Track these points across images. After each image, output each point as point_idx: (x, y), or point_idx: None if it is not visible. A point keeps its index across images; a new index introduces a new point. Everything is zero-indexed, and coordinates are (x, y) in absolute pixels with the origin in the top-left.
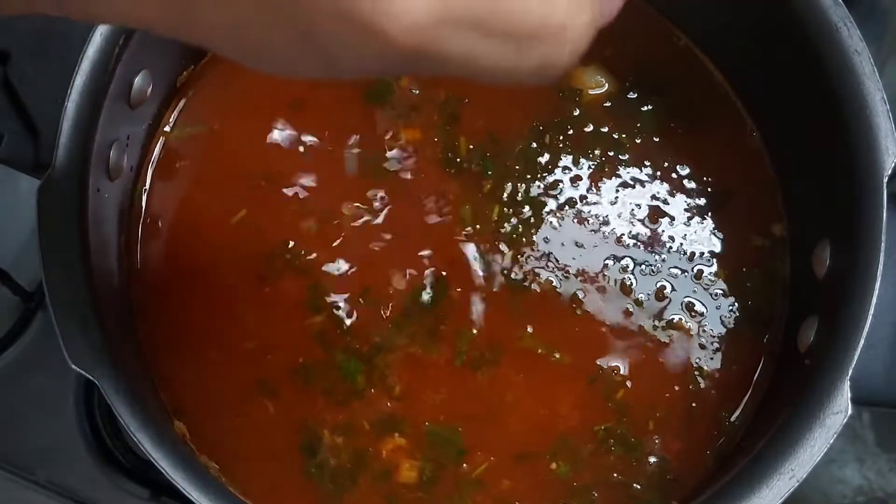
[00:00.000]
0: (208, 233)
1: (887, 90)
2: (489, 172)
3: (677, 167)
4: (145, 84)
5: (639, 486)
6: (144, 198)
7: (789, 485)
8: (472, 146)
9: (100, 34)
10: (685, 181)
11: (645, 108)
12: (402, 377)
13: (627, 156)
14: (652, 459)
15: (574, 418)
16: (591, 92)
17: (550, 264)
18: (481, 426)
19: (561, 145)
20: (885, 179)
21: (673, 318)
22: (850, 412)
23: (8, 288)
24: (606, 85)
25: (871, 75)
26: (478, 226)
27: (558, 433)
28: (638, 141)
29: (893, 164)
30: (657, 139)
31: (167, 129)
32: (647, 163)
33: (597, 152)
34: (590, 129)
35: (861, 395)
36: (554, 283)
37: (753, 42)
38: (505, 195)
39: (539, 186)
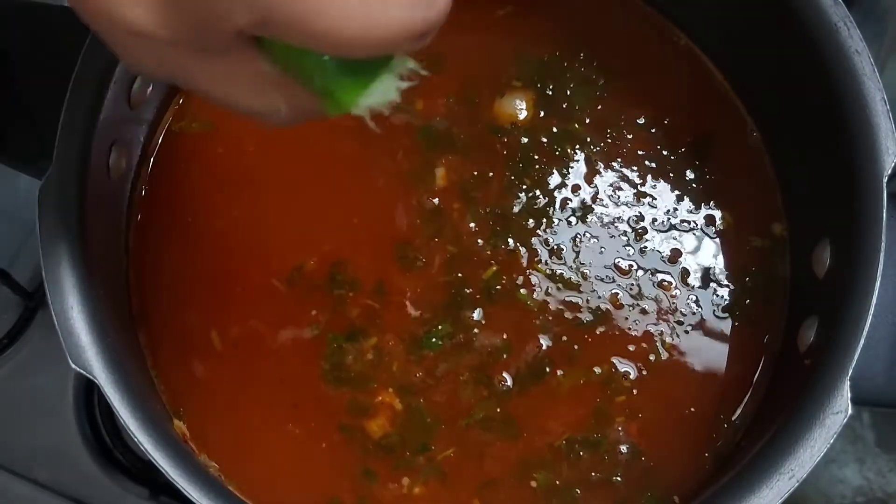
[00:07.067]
0: (209, 232)
1: (887, 90)
2: (517, 245)
3: (636, 120)
4: (145, 84)
5: (619, 479)
6: (145, 198)
7: (789, 485)
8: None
9: None
10: (652, 129)
11: (569, 91)
12: (444, 383)
13: (589, 137)
14: (623, 448)
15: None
16: (521, 117)
17: (610, 275)
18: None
19: (540, 174)
20: (885, 179)
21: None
22: (850, 412)
23: (8, 287)
24: (525, 101)
25: (872, 75)
26: (534, 295)
27: (528, 456)
28: (588, 121)
29: (893, 164)
30: (599, 107)
31: (167, 128)
32: (608, 130)
33: (568, 158)
34: (546, 140)
35: (861, 395)
36: (619, 294)
37: (753, 42)
38: (544, 255)
39: (560, 220)
